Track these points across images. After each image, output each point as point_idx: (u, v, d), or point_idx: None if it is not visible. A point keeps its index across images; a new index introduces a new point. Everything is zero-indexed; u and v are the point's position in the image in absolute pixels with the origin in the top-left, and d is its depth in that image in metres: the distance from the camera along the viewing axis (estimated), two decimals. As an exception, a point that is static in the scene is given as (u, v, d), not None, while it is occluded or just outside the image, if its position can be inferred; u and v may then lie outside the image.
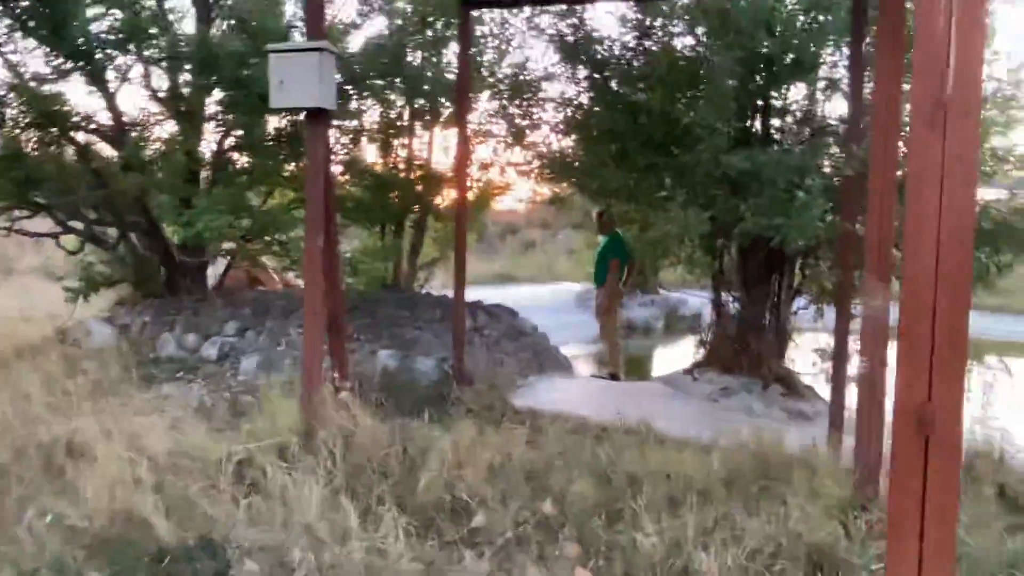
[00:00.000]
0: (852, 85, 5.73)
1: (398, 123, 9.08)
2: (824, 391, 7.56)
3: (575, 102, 7.70)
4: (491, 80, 8.29)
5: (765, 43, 6.53)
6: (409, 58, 8.30)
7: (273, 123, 7.68)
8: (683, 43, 7.16)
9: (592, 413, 5.99)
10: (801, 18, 6.60)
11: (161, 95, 7.80)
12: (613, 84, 7.30)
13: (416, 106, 8.98)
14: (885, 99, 3.46)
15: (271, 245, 7.56)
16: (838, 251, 5.72)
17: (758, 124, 7.24)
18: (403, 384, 6.07)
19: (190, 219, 5.89)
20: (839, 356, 5.73)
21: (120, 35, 6.52)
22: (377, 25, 8.24)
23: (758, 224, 5.83)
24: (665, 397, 7.21)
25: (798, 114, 7.19)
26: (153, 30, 6.92)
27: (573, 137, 7.85)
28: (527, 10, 7.59)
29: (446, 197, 9.48)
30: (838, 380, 5.70)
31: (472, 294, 10.45)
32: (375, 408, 4.98)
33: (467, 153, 6.73)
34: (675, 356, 12.42)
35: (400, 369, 6.35)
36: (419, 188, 9.20)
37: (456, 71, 7.08)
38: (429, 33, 8.44)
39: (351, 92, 7.82)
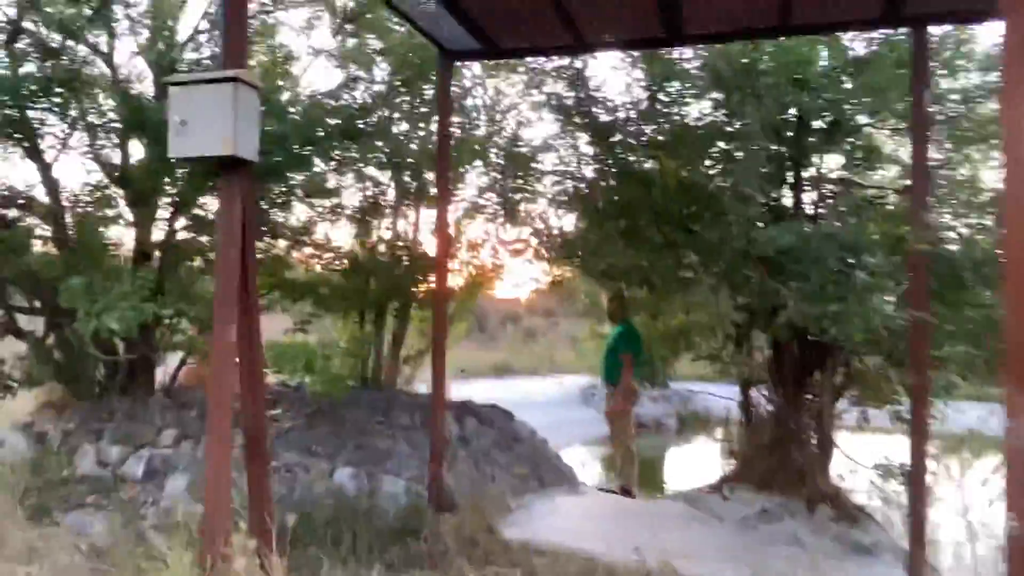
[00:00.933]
0: (915, 144, 4.73)
1: (379, 199, 8.13)
2: (879, 513, 6.33)
3: (577, 173, 6.73)
4: (479, 148, 7.33)
5: (794, 99, 5.60)
6: (394, 129, 7.44)
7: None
8: (700, 107, 6.25)
9: (602, 546, 4.83)
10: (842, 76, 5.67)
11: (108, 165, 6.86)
12: (619, 151, 6.33)
13: (400, 181, 8.05)
14: (1017, 116, 2.43)
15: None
16: (910, 344, 4.57)
17: (788, 197, 6.24)
18: (364, 513, 4.82)
19: (105, 307, 4.80)
20: (916, 481, 4.51)
21: (49, 91, 5.58)
22: (356, 92, 7.25)
23: (804, 312, 4.72)
24: (690, 522, 5.92)
25: (834, 184, 6.19)
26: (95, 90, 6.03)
27: (575, 212, 6.84)
28: (520, 70, 6.70)
29: (432, 282, 8.41)
30: (916, 512, 4.47)
31: (466, 390, 9.27)
32: (316, 557, 3.76)
33: (448, 227, 5.69)
34: (693, 462, 11.08)
35: (362, 493, 5.11)
36: (402, 272, 8.16)
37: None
38: (416, 101, 7.60)
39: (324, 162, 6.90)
